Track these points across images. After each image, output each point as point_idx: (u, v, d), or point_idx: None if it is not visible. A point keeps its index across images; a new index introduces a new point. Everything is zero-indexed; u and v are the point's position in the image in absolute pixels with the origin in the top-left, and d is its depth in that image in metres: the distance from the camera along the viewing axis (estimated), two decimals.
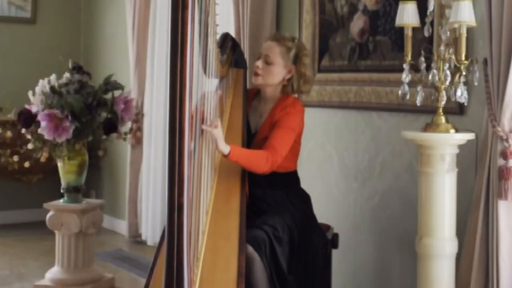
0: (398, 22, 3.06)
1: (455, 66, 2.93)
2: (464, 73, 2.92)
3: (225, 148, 2.89)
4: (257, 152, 3.04)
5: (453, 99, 2.97)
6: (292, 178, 3.29)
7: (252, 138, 3.20)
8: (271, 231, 2.95)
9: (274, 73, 3.19)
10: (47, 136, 3.96)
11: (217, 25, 2.90)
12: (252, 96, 3.39)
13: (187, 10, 1.79)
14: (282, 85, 3.23)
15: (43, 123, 3.94)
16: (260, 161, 3.01)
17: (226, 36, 3.29)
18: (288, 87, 3.22)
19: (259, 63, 3.20)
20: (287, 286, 2.96)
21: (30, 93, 4.16)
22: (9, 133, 5.40)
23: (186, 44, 1.79)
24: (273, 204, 3.15)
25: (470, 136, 3.00)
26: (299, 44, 3.28)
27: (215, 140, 2.85)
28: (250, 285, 2.81)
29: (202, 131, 2.80)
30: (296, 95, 3.30)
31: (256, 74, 3.21)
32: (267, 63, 3.19)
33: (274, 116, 3.16)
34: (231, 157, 2.92)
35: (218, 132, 2.83)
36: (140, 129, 5.60)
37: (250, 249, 2.84)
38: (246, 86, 3.47)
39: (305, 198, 3.31)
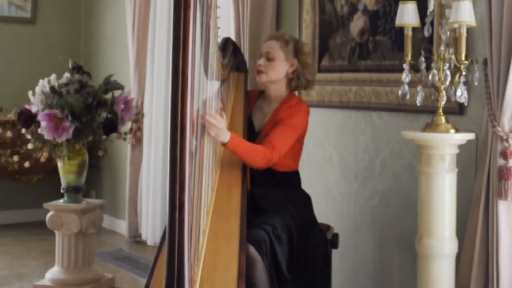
0: (398, 22, 3.06)
1: (455, 66, 2.93)
2: (464, 73, 2.92)
3: (225, 137, 2.90)
4: (257, 147, 3.05)
5: (453, 99, 2.97)
6: (293, 177, 3.29)
7: (255, 137, 3.20)
8: (271, 230, 2.95)
9: (277, 68, 3.21)
10: (47, 136, 3.97)
11: (218, 28, 2.91)
12: (255, 96, 3.40)
13: (189, 9, 1.79)
14: (287, 79, 3.24)
15: (43, 123, 3.94)
16: (257, 156, 3.02)
17: (227, 40, 3.31)
18: (293, 81, 3.23)
19: (261, 61, 3.23)
20: (287, 286, 2.96)
21: (30, 93, 4.16)
22: (9, 133, 5.39)
23: (188, 43, 1.79)
24: (273, 204, 3.16)
25: (470, 136, 3.00)
26: (295, 38, 3.36)
27: (217, 130, 2.85)
28: (252, 285, 2.82)
29: (203, 131, 2.80)
30: (298, 95, 3.31)
31: (260, 72, 3.23)
32: (269, 59, 3.21)
33: (278, 115, 3.17)
34: (229, 145, 2.93)
35: (220, 123, 2.85)
36: (140, 129, 5.60)
37: (252, 249, 2.85)
38: (247, 90, 3.49)
39: (306, 199, 3.31)
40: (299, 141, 3.22)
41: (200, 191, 2.61)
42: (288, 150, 3.13)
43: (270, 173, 3.15)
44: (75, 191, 4.28)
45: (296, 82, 3.25)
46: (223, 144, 2.93)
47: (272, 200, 3.17)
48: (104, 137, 4.23)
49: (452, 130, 2.96)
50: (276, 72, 3.21)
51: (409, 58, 3.03)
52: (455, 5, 2.82)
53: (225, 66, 3.16)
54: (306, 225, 3.16)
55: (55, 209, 4.27)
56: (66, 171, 4.24)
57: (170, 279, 1.83)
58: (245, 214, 2.86)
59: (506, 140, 2.96)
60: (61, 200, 4.32)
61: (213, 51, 2.76)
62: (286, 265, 2.97)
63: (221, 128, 2.86)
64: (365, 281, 3.89)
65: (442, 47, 2.95)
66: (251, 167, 3.09)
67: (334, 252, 3.37)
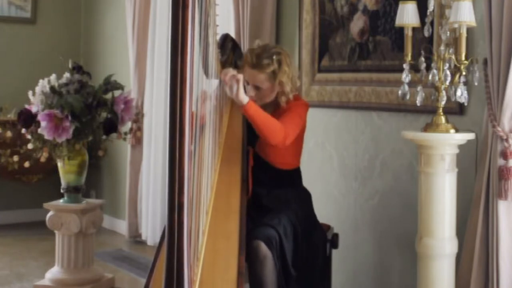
0: (398, 22, 3.06)
1: (455, 66, 2.92)
2: (464, 73, 2.92)
3: (244, 98, 2.89)
4: (274, 119, 3.01)
5: (453, 99, 2.97)
6: (295, 175, 3.30)
7: (255, 140, 3.19)
8: (279, 228, 2.96)
9: (268, 95, 3.19)
10: (47, 136, 3.96)
11: (217, 25, 2.91)
12: None
13: (188, 9, 1.78)
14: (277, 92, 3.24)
15: (43, 123, 3.94)
16: (276, 127, 2.97)
17: (226, 37, 3.29)
18: (282, 96, 3.22)
19: (252, 92, 3.16)
20: (292, 283, 2.98)
21: (30, 93, 4.16)
22: (9, 133, 5.39)
23: (187, 43, 1.78)
24: (277, 203, 3.16)
25: (470, 136, 3.00)
26: (278, 58, 3.14)
27: (237, 86, 2.85)
28: (261, 282, 2.85)
29: (202, 130, 2.79)
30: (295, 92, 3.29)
31: (253, 100, 3.21)
32: (258, 89, 3.17)
33: (279, 111, 3.16)
34: (248, 108, 2.90)
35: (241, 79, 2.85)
36: (140, 129, 5.60)
37: (264, 247, 2.87)
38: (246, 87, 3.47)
39: (307, 196, 3.33)
40: (300, 137, 3.23)
41: (200, 191, 2.61)
42: (290, 147, 3.13)
43: (272, 171, 3.16)
44: (75, 191, 4.28)
45: (284, 97, 3.22)
46: (242, 107, 2.90)
47: (276, 199, 3.18)
48: (104, 137, 4.22)
49: (452, 130, 2.96)
50: (268, 98, 3.20)
51: (409, 58, 3.03)
52: (455, 5, 2.82)
53: (224, 64, 3.15)
54: (309, 223, 3.18)
55: (55, 209, 4.27)
56: (66, 171, 4.24)
57: (170, 281, 1.82)
58: (244, 213, 2.86)
59: (506, 140, 2.96)
60: (61, 200, 4.32)
61: (212, 49, 2.75)
62: (292, 261, 2.99)
63: (241, 86, 2.85)
64: (365, 281, 3.89)
65: (442, 47, 2.95)
66: (268, 142, 3.01)
67: (334, 252, 3.37)
